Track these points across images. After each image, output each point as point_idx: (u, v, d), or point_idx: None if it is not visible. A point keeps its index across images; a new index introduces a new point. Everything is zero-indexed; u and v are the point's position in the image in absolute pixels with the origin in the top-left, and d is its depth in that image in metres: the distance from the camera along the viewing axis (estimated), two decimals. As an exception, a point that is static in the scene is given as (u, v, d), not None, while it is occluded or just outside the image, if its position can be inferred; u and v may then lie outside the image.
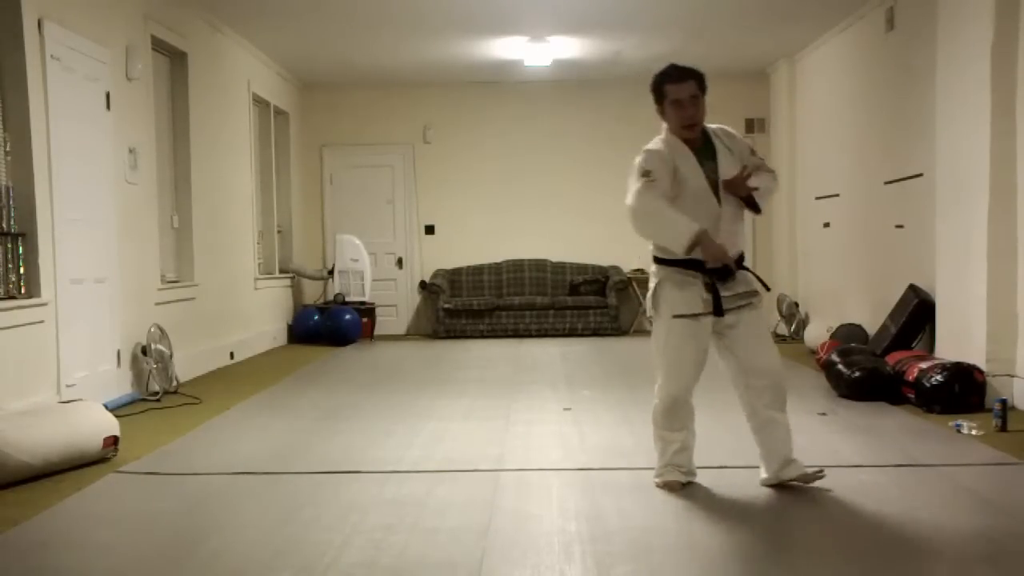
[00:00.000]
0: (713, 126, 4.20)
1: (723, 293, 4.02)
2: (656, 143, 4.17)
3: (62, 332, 5.97)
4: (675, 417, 4.13)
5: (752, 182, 4.11)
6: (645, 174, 4.03)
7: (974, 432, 5.25)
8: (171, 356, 7.23)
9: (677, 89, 4.10)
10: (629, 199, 4.06)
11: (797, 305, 10.79)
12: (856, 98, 9.15)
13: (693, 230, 3.91)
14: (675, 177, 4.02)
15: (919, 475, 4.42)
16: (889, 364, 6.60)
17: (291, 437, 5.55)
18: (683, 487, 4.13)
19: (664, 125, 4.19)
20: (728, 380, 4.20)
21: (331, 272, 11.48)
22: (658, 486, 4.15)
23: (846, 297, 9.34)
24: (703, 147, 4.12)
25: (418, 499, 4.09)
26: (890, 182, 8.23)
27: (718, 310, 4.00)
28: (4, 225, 5.61)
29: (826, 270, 10.10)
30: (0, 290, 5.61)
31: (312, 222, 12.27)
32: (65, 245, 6.03)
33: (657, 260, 4.15)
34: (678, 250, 3.98)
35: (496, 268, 12.06)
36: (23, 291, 5.72)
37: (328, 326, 10.78)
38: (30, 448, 4.45)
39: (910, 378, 6.20)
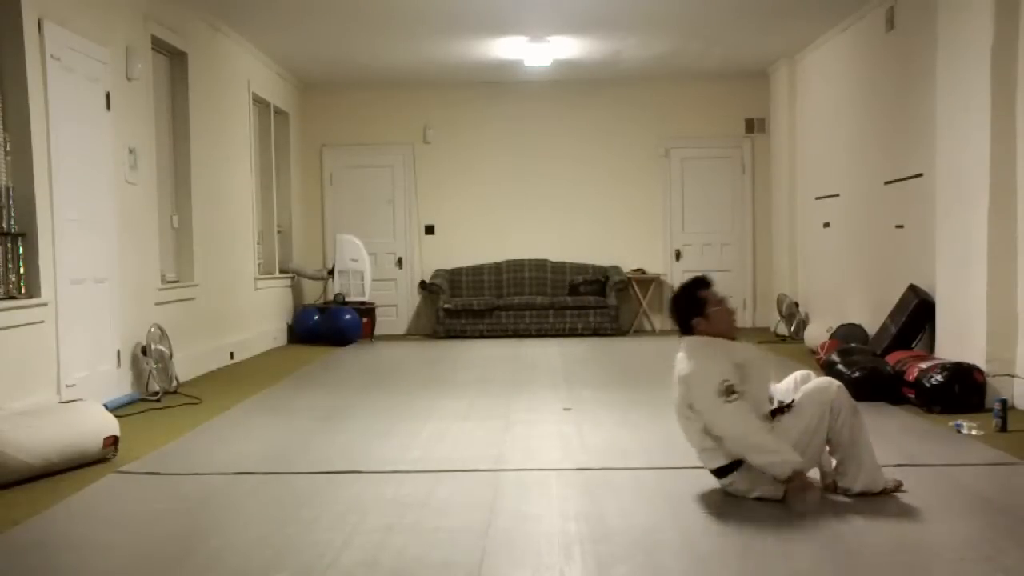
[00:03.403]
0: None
1: None
2: (708, 343, 3.97)
3: (62, 332, 5.97)
4: None
5: None
6: (728, 390, 3.80)
7: (974, 432, 5.25)
8: (171, 356, 7.23)
9: (714, 293, 4.04)
10: (723, 426, 3.82)
11: (797, 305, 10.80)
12: (856, 98, 9.15)
13: (795, 464, 3.78)
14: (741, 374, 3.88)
15: (919, 475, 4.41)
16: (889, 364, 6.60)
17: (291, 437, 5.55)
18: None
19: (700, 337, 4.01)
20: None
21: (331, 272, 11.48)
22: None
23: (846, 297, 9.34)
24: None
25: (418, 499, 4.09)
26: (890, 182, 8.23)
27: None
28: (4, 225, 5.61)
29: (826, 270, 10.10)
30: (0, 290, 5.61)
31: (312, 222, 12.27)
32: (65, 245, 6.03)
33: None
34: (777, 475, 3.81)
35: (496, 268, 12.06)
36: (23, 291, 5.73)
37: (328, 326, 10.78)
38: (30, 448, 4.45)
39: (910, 378, 6.20)
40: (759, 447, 3.80)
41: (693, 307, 4.05)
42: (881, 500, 3.99)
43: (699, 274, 4.22)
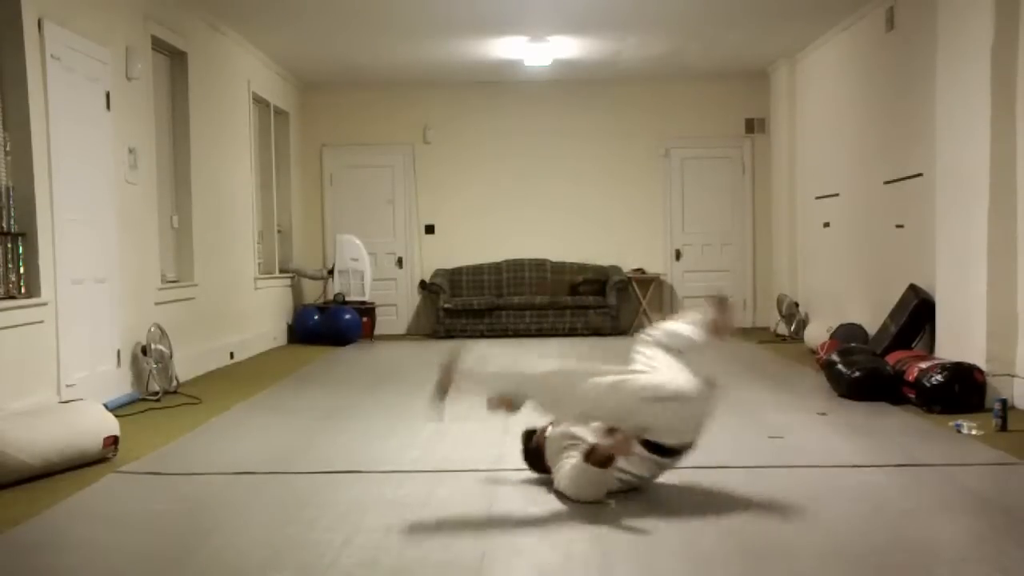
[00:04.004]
0: None
1: None
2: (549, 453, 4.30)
3: (62, 332, 5.97)
4: None
5: None
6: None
7: (974, 432, 5.25)
8: (171, 356, 7.23)
9: (532, 434, 4.38)
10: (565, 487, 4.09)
11: (797, 305, 10.80)
12: (856, 98, 9.15)
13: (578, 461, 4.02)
14: None
15: (919, 475, 4.42)
16: (889, 364, 6.60)
17: (291, 437, 5.55)
18: None
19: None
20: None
21: (331, 272, 11.48)
22: None
23: (846, 297, 9.34)
24: None
25: (418, 499, 4.09)
26: (890, 182, 8.23)
27: None
28: (4, 225, 5.61)
29: (826, 270, 10.11)
30: (0, 290, 5.61)
31: (312, 222, 12.27)
32: (65, 245, 6.03)
33: None
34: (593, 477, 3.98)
35: (496, 268, 12.06)
36: (23, 291, 5.72)
37: (328, 326, 10.78)
38: (30, 448, 4.45)
39: (910, 378, 6.19)
40: (574, 477, 3.94)
41: (538, 458, 4.32)
42: (881, 500, 3.99)
43: (524, 430, 4.46)
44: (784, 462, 4.72)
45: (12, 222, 5.67)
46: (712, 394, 3.95)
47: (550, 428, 4.27)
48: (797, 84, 11.05)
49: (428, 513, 3.89)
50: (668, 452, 3.96)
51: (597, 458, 3.83)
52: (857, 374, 6.46)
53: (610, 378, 3.92)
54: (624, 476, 3.98)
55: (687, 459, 4.21)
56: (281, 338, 10.98)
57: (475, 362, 4.06)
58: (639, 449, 3.90)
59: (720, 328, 4.16)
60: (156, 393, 6.92)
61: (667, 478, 4.43)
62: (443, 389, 4.00)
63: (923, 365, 6.20)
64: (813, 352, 8.69)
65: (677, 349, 4.14)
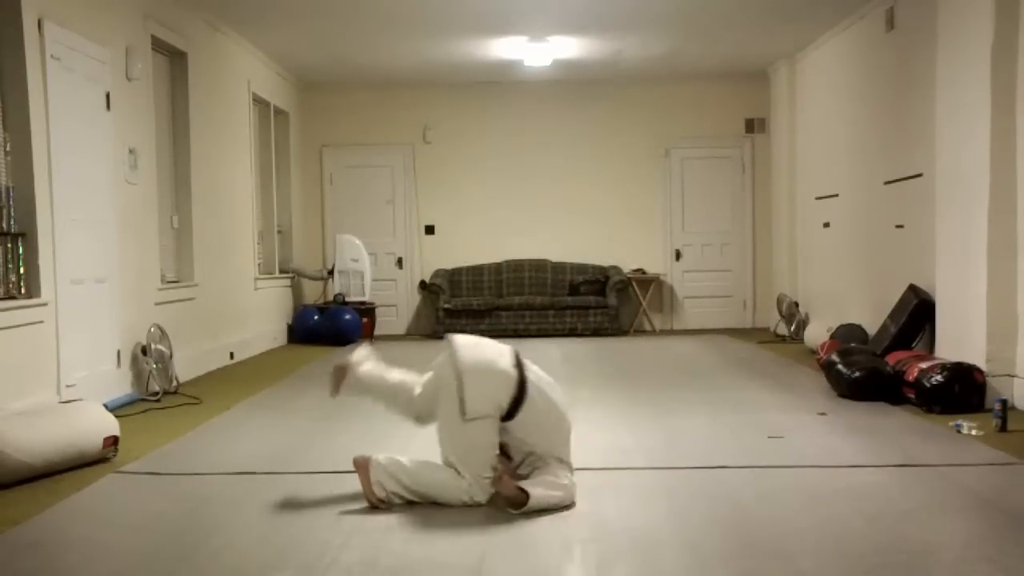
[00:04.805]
0: None
1: None
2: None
3: (62, 332, 5.97)
4: None
5: None
6: None
7: (974, 432, 5.25)
8: (171, 356, 7.23)
9: None
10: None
11: (797, 305, 10.80)
12: (856, 98, 9.15)
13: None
14: None
15: (919, 475, 4.42)
16: (889, 364, 6.60)
17: (291, 437, 5.55)
18: None
19: None
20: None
21: (331, 272, 11.48)
22: None
23: (846, 297, 9.34)
24: None
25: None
26: (890, 182, 8.23)
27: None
28: (4, 225, 5.61)
29: (826, 270, 10.10)
30: (0, 290, 5.61)
31: (312, 222, 12.27)
32: (65, 245, 6.03)
33: None
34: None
35: (496, 268, 12.06)
36: (23, 291, 5.73)
37: (328, 326, 10.78)
38: (30, 448, 4.45)
39: (910, 378, 6.19)
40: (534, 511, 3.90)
41: None
42: (882, 500, 3.99)
43: None
44: (784, 462, 4.71)
45: (12, 222, 5.67)
46: (450, 358, 4.17)
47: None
48: (797, 84, 11.05)
49: (428, 513, 3.89)
50: (517, 406, 4.05)
51: (515, 505, 3.81)
52: (857, 374, 6.46)
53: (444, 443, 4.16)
54: (550, 473, 3.98)
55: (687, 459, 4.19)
56: (281, 338, 10.98)
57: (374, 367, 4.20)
58: (509, 428, 3.99)
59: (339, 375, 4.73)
60: (156, 393, 6.92)
61: (668, 478, 4.43)
62: (336, 384, 4.40)
63: (923, 365, 6.20)
64: (813, 352, 8.68)
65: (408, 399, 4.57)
